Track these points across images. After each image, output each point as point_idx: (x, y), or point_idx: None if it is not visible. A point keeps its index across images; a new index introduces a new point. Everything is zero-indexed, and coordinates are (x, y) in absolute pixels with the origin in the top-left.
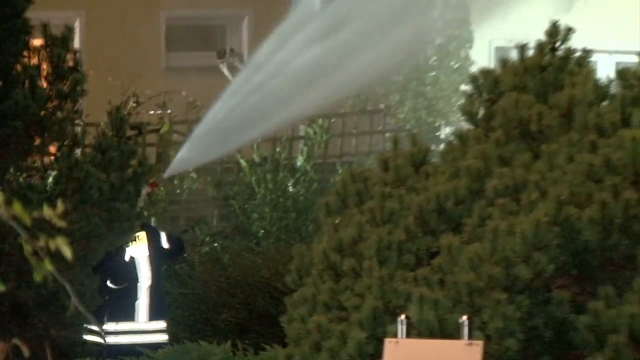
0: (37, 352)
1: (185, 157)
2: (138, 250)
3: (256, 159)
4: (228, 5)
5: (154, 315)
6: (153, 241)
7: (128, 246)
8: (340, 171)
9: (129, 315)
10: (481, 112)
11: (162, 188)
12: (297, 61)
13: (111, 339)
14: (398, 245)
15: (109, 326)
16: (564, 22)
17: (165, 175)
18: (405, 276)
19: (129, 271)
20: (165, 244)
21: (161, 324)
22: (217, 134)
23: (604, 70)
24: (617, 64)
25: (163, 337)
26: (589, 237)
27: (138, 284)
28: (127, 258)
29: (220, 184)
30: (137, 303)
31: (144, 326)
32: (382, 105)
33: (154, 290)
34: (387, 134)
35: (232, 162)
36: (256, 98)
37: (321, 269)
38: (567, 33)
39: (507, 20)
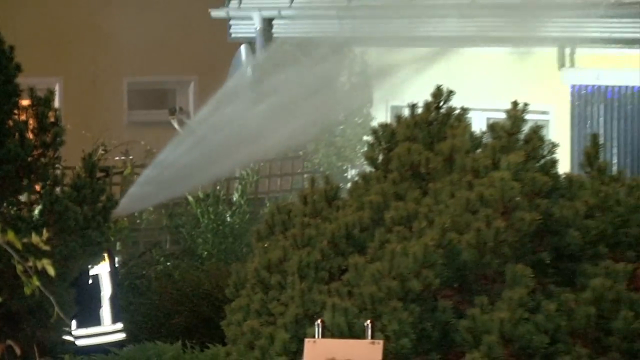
0: (26, 351)
1: (138, 196)
2: (102, 267)
3: (200, 195)
4: (178, 73)
5: (114, 318)
6: (112, 260)
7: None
8: (268, 205)
9: (96, 320)
10: (380, 157)
11: (125, 218)
12: (233, 119)
13: (83, 342)
14: (315, 264)
15: (80, 331)
16: (446, 85)
17: (119, 212)
18: (321, 289)
19: (95, 284)
20: (116, 264)
21: (120, 325)
22: (164, 179)
23: (478, 124)
24: (488, 119)
25: (122, 336)
26: (467, 257)
27: (102, 294)
28: (94, 274)
29: (172, 215)
30: (101, 310)
31: (108, 328)
32: (301, 152)
33: (113, 298)
34: (305, 175)
35: (182, 197)
36: (199, 148)
37: (253, 283)
38: (448, 95)
39: (401, 84)
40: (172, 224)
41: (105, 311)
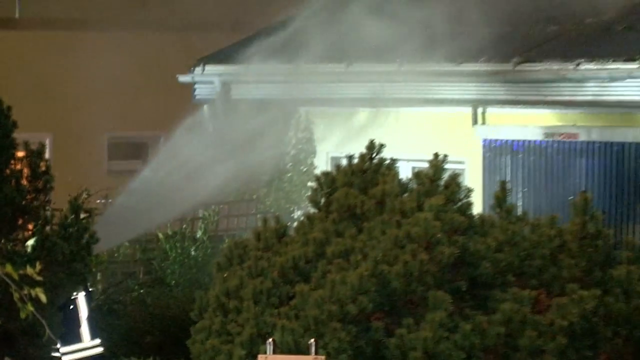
0: None
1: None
2: (80, 293)
3: (169, 232)
4: (150, 128)
5: (92, 335)
6: (85, 286)
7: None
8: (226, 241)
9: (78, 338)
10: (322, 200)
11: (104, 252)
12: (193, 164)
13: (69, 357)
14: (267, 291)
15: (65, 349)
16: (378, 139)
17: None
18: (272, 312)
19: (75, 307)
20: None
21: (98, 341)
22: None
23: (405, 172)
24: (413, 168)
25: (101, 349)
26: (396, 285)
27: (80, 316)
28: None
29: (144, 250)
30: (81, 329)
31: (88, 344)
32: (254, 196)
33: (89, 318)
34: (259, 216)
35: (153, 234)
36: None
37: (214, 307)
38: (380, 147)
39: (340, 138)
40: (144, 257)
41: (85, 330)
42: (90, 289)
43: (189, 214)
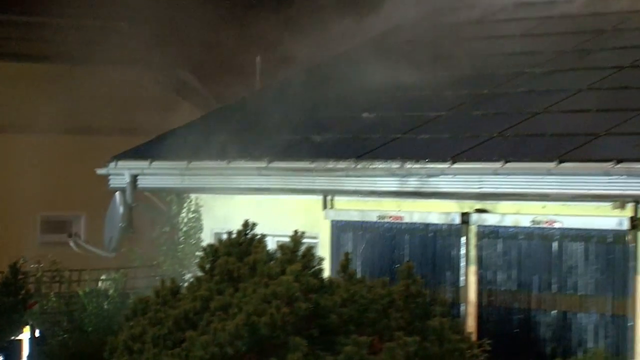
0: None
1: None
2: (24, 335)
3: (87, 290)
4: (74, 209)
5: None
6: (32, 331)
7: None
8: (132, 297)
9: None
10: (208, 266)
11: (36, 306)
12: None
13: None
14: (164, 336)
15: None
16: (251, 219)
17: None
18: (168, 353)
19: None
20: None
21: None
22: None
23: (271, 245)
24: (278, 241)
25: None
26: (264, 332)
27: (22, 353)
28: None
29: (68, 303)
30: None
31: None
32: (155, 262)
33: (30, 357)
34: (158, 278)
35: (75, 291)
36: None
37: (122, 349)
38: (252, 225)
39: (221, 217)
40: (68, 309)
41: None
42: (39, 333)
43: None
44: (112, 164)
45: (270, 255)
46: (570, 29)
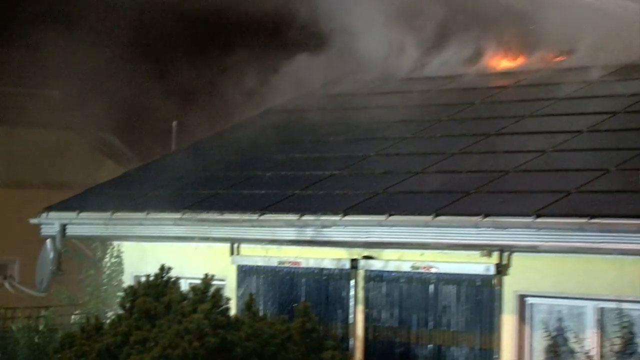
0: None
1: None
2: None
3: (20, 325)
4: (9, 254)
5: None
6: None
7: None
8: (61, 332)
9: None
10: (128, 305)
11: None
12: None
13: None
14: None
15: None
16: (166, 263)
17: None
18: None
19: None
20: None
21: None
22: None
23: (184, 286)
24: (190, 284)
25: None
26: None
27: None
28: None
29: (2, 337)
30: None
31: None
32: (81, 301)
33: None
34: (83, 315)
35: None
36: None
37: None
38: (168, 269)
39: (141, 262)
40: (2, 342)
41: None
42: None
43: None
44: (43, 215)
45: (183, 296)
46: (447, 101)
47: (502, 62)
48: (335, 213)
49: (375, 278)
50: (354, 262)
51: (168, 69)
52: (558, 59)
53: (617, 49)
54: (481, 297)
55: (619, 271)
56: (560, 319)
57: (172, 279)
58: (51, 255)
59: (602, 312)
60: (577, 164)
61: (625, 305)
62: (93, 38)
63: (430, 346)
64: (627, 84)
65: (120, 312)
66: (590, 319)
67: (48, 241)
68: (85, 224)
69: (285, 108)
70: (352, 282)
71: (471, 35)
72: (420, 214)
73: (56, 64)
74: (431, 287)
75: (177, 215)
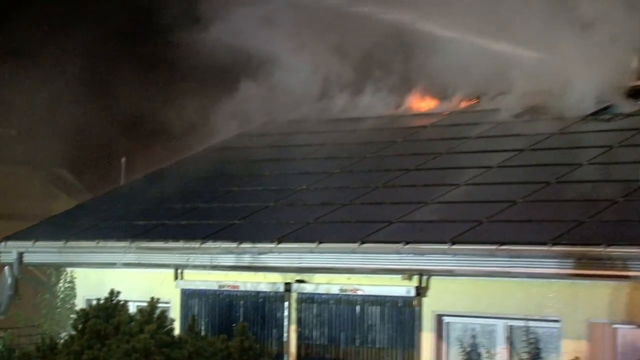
0: None
1: None
2: None
3: None
4: None
5: None
6: None
7: None
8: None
9: None
10: (80, 326)
11: None
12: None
13: None
14: None
15: None
16: (116, 287)
17: None
18: None
19: None
20: None
21: None
22: None
23: (132, 309)
24: (137, 306)
25: None
26: None
27: None
28: None
29: None
30: None
31: None
32: (37, 323)
33: None
34: (38, 335)
35: None
36: None
37: None
38: (117, 294)
39: (92, 286)
40: None
41: None
42: None
43: None
44: (2, 244)
45: (131, 317)
46: (371, 140)
47: (422, 105)
48: (270, 241)
49: (307, 300)
50: (287, 285)
51: (119, 105)
52: (471, 102)
53: (522, 94)
54: (403, 316)
55: (526, 293)
56: (474, 336)
57: (121, 302)
58: (9, 281)
59: (511, 329)
60: (487, 196)
61: (531, 324)
62: (46, 75)
63: None
64: (532, 124)
65: (73, 332)
66: (501, 336)
67: (6, 268)
68: (40, 252)
69: (226, 145)
70: (286, 304)
71: (394, 79)
72: (347, 241)
73: (10, 101)
74: (358, 308)
75: (126, 244)
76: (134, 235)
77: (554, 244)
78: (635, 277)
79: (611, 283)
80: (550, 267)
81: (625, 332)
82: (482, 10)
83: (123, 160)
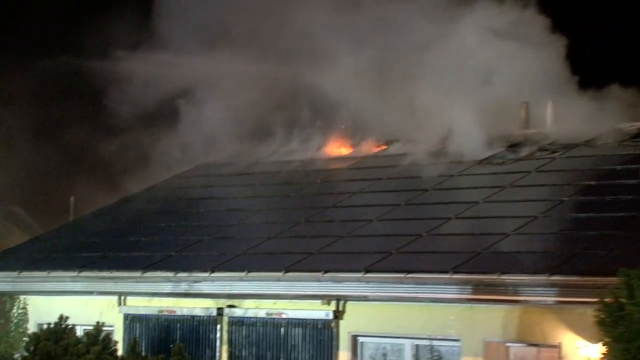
0: None
1: None
2: None
3: None
4: None
5: None
6: None
7: None
8: None
9: None
10: (32, 348)
11: None
12: None
13: None
14: None
15: None
16: (65, 312)
17: None
18: None
19: None
20: None
21: None
22: None
23: (80, 332)
24: (84, 330)
25: None
26: None
27: None
28: None
29: None
30: None
31: None
32: None
33: None
34: None
35: None
36: None
37: None
38: (66, 318)
39: (43, 312)
40: None
41: None
42: None
43: None
44: None
45: (78, 340)
46: (294, 180)
47: (338, 150)
48: (204, 270)
49: (237, 323)
50: (219, 310)
51: (69, 148)
52: (381, 147)
53: (427, 141)
54: (322, 337)
55: (430, 315)
56: (384, 354)
57: (69, 326)
58: None
59: (417, 348)
60: (396, 230)
61: (435, 343)
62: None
63: None
64: (435, 167)
65: (25, 354)
66: (408, 354)
67: None
68: None
69: (165, 185)
70: (219, 327)
71: (314, 127)
72: (273, 270)
73: None
74: (282, 330)
75: (74, 274)
76: (82, 265)
77: (455, 272)
78: (525, 301)
79: (504, 307)
80: (451, 292)
81: (516, 349)
82: (388, 66)
83: (72, 198)
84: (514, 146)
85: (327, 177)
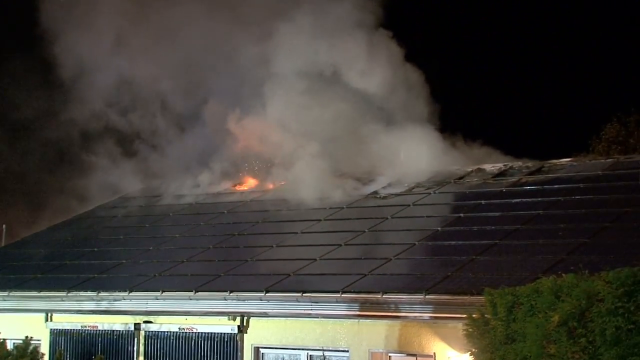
0: None
1: None
2: None
3: None
4: None
5: None
6: None
7: None
8: None
9: None
10: None
11: None
12: None
13: None
14: None
15: None
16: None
17: None
18: None
19: None
20: None
21: None
22: None
23: (10, 345)
24: (14, 343)
25: None
26: None
27: None
28: None
29: None
30: None
31: None
32: None
33: None
34: None
35: None
36: None
37: None
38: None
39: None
40: None
41: None
42: None
43: None
44: None
45: (8, 352)
46: (204, 211)
47: (243, 184)
48: (123, 290)
49: (153, 337)
50: (137, 325)
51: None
52: (280, 183)
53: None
54: (229, 349)
55: (323, 329)
56: None
57: (1, 341)
58: None
59: (311, 358)
60: (294, 255)
61: (327, 353)
62: None
63: None
64: (326, 200)
65: None
66: None
67: None
68: None
69: (89, 215)
70: (136, 340)
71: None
72: (184, 290)
73: None
74: (193, 343)
75: (5, 293)
76: (12, 286)
77: (344, 292)
78: (404, 317)
79: (387, 322)
80: (341, 309)
81: (397, 358)
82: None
83: (4, 226)
84: (399, 182)
85: (234, 208)
